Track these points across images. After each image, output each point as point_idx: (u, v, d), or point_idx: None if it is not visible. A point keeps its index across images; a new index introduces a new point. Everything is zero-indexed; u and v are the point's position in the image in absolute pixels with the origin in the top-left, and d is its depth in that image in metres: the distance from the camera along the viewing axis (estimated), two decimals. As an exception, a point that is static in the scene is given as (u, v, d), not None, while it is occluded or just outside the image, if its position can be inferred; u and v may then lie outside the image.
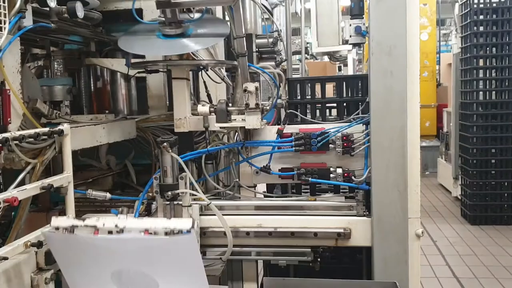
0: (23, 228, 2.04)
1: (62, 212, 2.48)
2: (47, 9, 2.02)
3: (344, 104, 2.78)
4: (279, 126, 2.58)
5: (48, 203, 2.69)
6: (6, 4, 1.79)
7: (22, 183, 1.91)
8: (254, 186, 2.73)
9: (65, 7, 2.07)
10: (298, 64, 6.37)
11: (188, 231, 1.62)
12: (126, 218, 1.71)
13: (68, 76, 2.83)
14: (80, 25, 2.45)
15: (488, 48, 6.62)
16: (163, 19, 2.31)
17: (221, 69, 2.90)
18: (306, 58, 7.87)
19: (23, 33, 1.90)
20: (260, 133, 2.61)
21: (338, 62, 9.18)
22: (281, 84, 2.68)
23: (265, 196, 2.78)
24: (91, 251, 1.72)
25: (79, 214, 2.35)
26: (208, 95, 2.93)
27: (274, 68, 2.81)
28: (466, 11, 6.75)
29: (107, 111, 2.94)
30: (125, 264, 1.74)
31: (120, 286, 1.79)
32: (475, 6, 6.58)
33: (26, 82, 2.08)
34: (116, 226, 1.67)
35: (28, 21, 1.93)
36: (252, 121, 2.38)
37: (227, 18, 3.05)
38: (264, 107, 2.45)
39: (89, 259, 1.74)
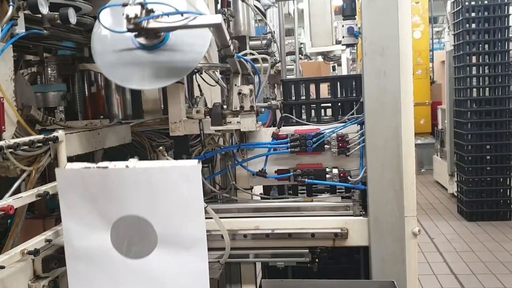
0: (20, 236, 2.03)
1: (59, 219, 2.47)
2: (40, 15, 2.01)
3: (339, 104, 2.79)
4: (274, 130, 2.59)
5: (45, 210, 2.67)
6: (-2, 12, 1.79)
7: (17, 190, 1.90)
8: (251, 188, 2.74)
9: (58, 13, 2.07)
10: (292, 65, 6.38)
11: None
12: (136, 161, 1.81)
13: (62, 82, 2.82)
14: (73, 31, 2.44)
15: (480, 45, 6.65)
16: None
17: (216, 72, 2.90)
18: (300, 58, 7.89)
19: (15, 40, 1.90)
20: (255, 135, 2.62)
21: (332, 62, 9.21)
22: (265, 72, 2.64)
23: (261, 198, 2.79)
24: (102, 186, 1.81)
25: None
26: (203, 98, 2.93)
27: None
28: (458, 8, 6.78)
29: (101, 116, 2.93)
30: (133, 200, 1.82)
31: (116, 240, 1.86)
32: (467, 3, 6.62)
33: (20, 89, 2.07)
34: (127, 166, 1.77)
35: (20, 28, 1.92)
36: (247, 123, 2.38)
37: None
38: (259, 109, 2.45)
39: (97, 196, 1.83)
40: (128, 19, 1.83)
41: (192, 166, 1.77)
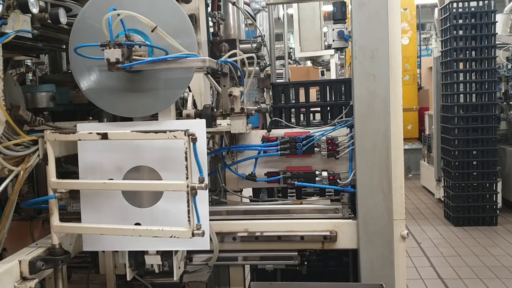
0: (7, 237, 2.01)
1: (46, 221, 2.45)
2: (30, 15, 1.99)
3: (328, 108, 2.80)
4: (264, 134, 2.59)
5: (32, 212, 2.64)
6: (-13, 11, 1.77)
7: (4, 191, 1.88)
8: (240, 191, 2.73)
9: (48, 13, 2.05)
10: (282, 69, 6.40)
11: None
12: None
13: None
14: (63, 31, 2.42)
15: (467, 52, 6.74)
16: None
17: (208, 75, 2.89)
18: (289, 63, 7.92)
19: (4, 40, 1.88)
20: (245, 138, 2.62)
21: (321, 67, 9.27)
22: (250, 71, 2.62)
23: (251, 201, 2.79)
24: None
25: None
26: (193, 100, 2.92)
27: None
28: (445, 15, 6.87)
29: (91, 118, 2.91)
30: (144, 152, 2.05)
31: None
32: (454, 10, 6.70)
33: (9, 89, 2.05)
34: None
35: (10, 28, 1.91)
36: (237, 125, 2.38)
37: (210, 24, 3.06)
38: (249, 111, 2.45)
39: (113, 147, 2.05)
40: (110, 63, 1.83)
41: (197, 121, 2.09)
